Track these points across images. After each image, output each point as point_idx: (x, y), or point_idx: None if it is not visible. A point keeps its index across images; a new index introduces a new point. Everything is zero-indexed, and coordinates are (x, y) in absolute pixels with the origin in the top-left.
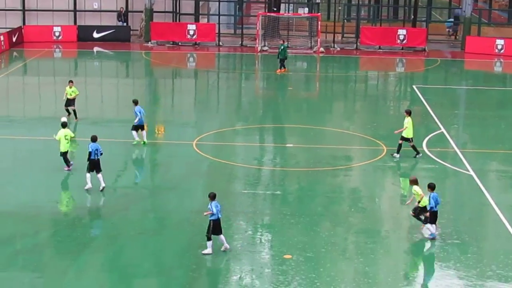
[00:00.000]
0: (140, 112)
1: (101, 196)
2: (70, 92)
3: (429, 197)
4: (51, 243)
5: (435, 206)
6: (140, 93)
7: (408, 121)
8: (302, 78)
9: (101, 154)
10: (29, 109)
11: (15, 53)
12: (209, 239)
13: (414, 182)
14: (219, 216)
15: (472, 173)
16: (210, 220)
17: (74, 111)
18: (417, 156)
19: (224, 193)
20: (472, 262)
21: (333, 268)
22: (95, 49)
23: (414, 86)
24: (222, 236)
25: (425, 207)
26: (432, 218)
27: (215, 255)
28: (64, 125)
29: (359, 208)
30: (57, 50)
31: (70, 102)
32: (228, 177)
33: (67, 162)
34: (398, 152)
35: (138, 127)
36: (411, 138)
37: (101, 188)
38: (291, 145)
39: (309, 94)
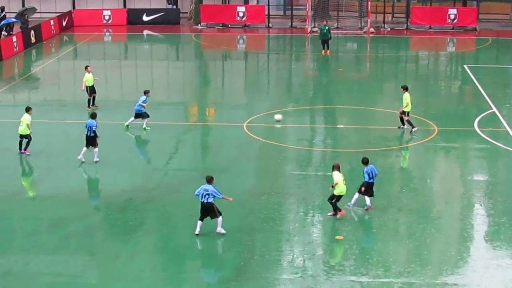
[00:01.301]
0: (142, 102)
1: (152, 179)
2: (88, 79)
3: (363, 171)
4: (102, 226)
5: (371, 178)
6: (190, 76)
7: (406, 96)
8: (352, 59)
9: (94, 131)
10: (80, 93)
11: (65, 37)
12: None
13: (336, 167)
14: (200, 200)
15: None
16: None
17: (94, 97)
18: (401, 127)
19: (275, 175)
20: None
21: (385, 249)
22: (145, 32)
23: (465, 66)
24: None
25: (335, 195)
26: (368, 190)
27: (268, 237)
28: (27, 109)
29: (411, 188)
30: (107, 33)
31: (92, 89)
32: (279, 158)
33: (20, 146)
34: (403, 123)
35: (140, 116)
36: (408, 112)
37: (94, 160)
38: (342, 126)
39: (359, 75)
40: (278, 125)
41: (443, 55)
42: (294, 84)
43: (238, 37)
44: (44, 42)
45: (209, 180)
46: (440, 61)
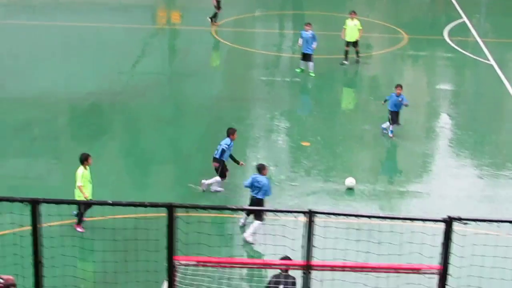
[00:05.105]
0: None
1: (118, 83)
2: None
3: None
4: (68, 130)
5: (395, 106)
6: None
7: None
8: None
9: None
10: None
11: None
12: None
13: None
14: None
15: (492, 62)
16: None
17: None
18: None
19: (243, 80)
20: (488, 151)
21: (351, 155)
22: None
23: None
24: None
25: None
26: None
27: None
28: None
29: (378, 96)
30: None
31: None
32: (247, 63)
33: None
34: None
35: (304, 56)
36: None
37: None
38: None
39: None
40: (248, 30)
41: None
42: None
43: None
44: None
45: (260, 169)
46: None
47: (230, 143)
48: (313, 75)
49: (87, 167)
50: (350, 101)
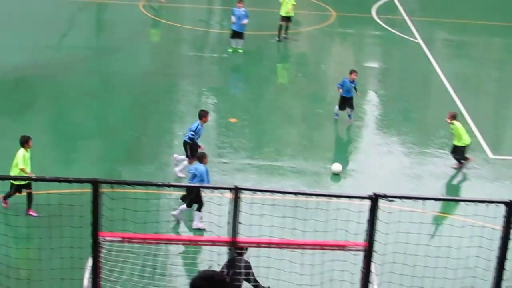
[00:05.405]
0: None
1: (45, 56)
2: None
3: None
4: None
5: (348, 92)
6: None
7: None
8: None
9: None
10: None
11: None
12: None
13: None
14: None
15: (419, 41)
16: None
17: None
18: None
19: (170, 55)
20: (414, 129)
21: (278, 132)
22: None
23: None
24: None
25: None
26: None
27: (161, 118)
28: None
29: (306, 73)
30: None
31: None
32: (175, 39)
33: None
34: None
35: (235, 34)
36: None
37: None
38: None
39: None
40: (176, 4)
41: None
42: None
43: None
44: None
45: (201, 158)
46: None
47: (197, 126)
48: (241, 51)
49: (28, 149)
50: (278, 77)
